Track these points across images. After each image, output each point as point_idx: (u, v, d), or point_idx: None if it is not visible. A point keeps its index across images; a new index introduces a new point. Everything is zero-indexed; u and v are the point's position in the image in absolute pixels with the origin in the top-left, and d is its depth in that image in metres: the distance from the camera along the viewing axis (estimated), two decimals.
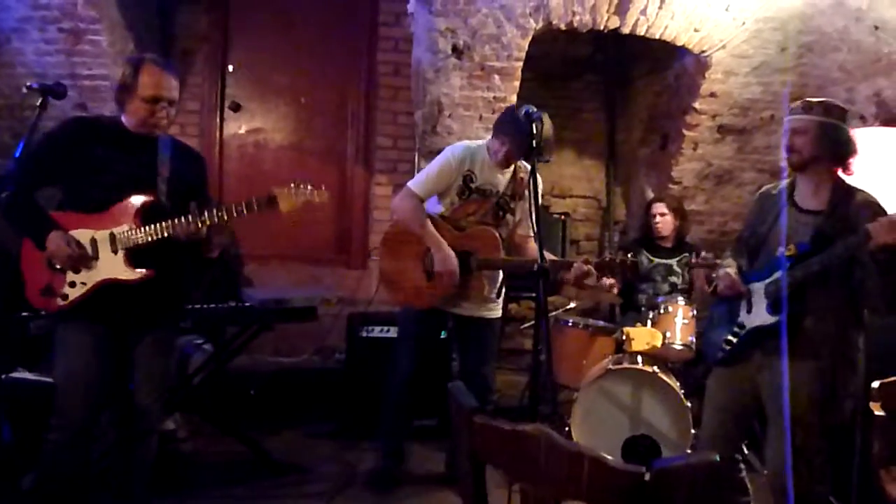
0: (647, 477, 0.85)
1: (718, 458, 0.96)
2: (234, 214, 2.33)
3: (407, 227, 3.00)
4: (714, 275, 2.56)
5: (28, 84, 2.16)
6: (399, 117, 4.98)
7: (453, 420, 1.08)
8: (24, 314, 2.82)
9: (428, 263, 2.98)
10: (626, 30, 4.03)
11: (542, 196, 5.27)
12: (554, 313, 3.78)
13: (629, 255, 2.77)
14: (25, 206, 2.29)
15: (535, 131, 2.22)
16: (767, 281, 2.32)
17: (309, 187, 2.40)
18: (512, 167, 3.03)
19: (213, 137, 4.99)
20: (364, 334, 3.90)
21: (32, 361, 3.06)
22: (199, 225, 2.32)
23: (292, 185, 2.39)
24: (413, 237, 2.97)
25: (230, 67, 4.99)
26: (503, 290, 3.12)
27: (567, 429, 3.22)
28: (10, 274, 2.45)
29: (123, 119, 2.40)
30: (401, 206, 3.02)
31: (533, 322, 4.18)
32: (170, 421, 3.39)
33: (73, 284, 2.31)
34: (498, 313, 3.15)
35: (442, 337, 3.55)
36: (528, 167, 2.98)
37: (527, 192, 2.99)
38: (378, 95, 5.00)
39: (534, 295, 4.39)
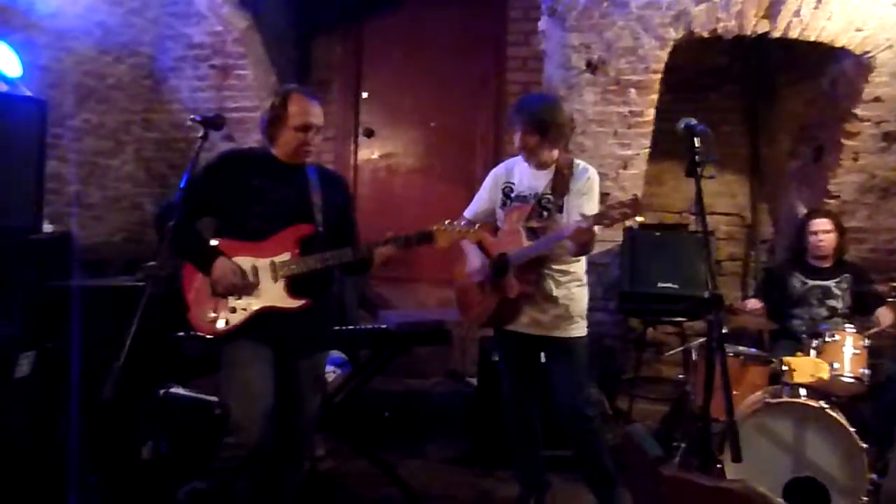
0: None
1: None
2: (393, 243, 2.45)
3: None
4: None
5: (191, 117, 2.28)
6: None
7: (632, 468, 0.97)
8: (180, 334, 2.99)
9: (482, 276, 2.92)
10: (776, 34, 3.75)
11: (681, 213, 5.10)
12: (700, 340, 3.52)
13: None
14: (189, 234, 2.39)
15: (696, 146, 2.05)
16: None
17: (461, 222, 2.57)
18: (552, 166, 2.86)
19: (348, 163, 5.16)
20: (496, 358, 3.81)
21: (185, 379, 3.24)
22: (356, 258, 2.43)
23: (447, 221, 2.50)
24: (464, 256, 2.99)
25: (364, 95, 5.15)
26: (585, 306, 2.89)
27: (719, 466, 2.96)
28: (170, 297, 2.59)
29: (273, 150, 2.48)
30: None
31: (677, 349, 3.99)
32: None
33: (234, 310, 2.38)
34: (576, 332, 2.84)
35: (543, 361, 3.35)
36: (575, 164, 2.86)
37: (576, 186, 2.81)
38: (507, 115, 4.96)
39: (675, 320, 4.21)
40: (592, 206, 2.77)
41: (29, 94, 3.66)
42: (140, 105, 4.79)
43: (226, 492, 2.42)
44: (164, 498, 2.80)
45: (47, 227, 3.57)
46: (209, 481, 2.41)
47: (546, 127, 2.77)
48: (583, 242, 2.60)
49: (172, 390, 3.20)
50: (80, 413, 2.72)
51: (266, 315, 2.39)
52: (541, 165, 2.87)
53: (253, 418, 2.32)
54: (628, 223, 2.59)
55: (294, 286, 2.42)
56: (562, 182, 2.81)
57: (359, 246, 2.45)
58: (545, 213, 2.83)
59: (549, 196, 2.83)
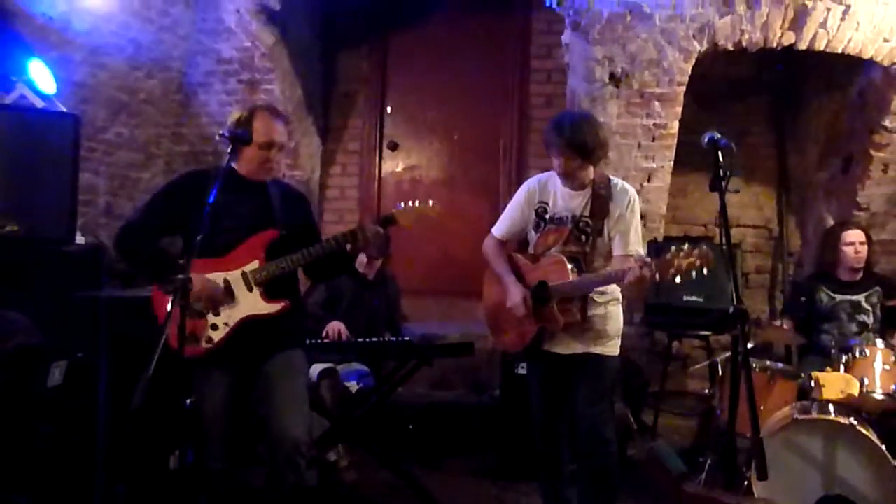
0: None
1: None
2: (362, 238, 2.45)
3: (488, 266, 2.91)
4: None
5: (220, 133, 2.32)
6: None
7: (655, 484, 0.97)
8: None
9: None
10: (802, 45, 3.72)
11: (706, 226, 5.06)
12: (726, 355, 3.48)
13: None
14: (154, 252, 2.43)
15: (720, 160, 2.03)
16: None
17: (419, 202, 2.54)
18: (588, 186, 2.72)
19: (373, 175, 5.21)
20: (520, 370, 3.80)
21: None
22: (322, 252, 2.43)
23: (401, 204, 2.55)
24: (501, 285, 2.81)
25: (388, 108, 5.19)
26: (621, 326, 2.78)
27: (746, 483, 2.92)
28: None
29: (235, 165, 2.48)
30: (484, 248, 2.91)
31: (703, 363, 3.95)
32: (332, 452, 3.48)
33: (214, 327, 2.40)
34: (609, 351, 2.72)
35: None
36: (613, 183, 2.71)
37: (616, 210, 2.67)
38: (531, 128, 4.99)
39: (701, 333, 4.17)
40: (637, 236, 2.69)
41: (63, 109, 3.76)
42: (170, 119, 4.90)
43: (225, 497, 2.50)
44: None
45: (80, 239, 3.65)
46: (211, 490, 2.51)
47: (590, 150, 2.61)
48: (640, 289, 2.51)
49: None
50: (109, 422, 2.77)
51: (245, 325, 2.41)
52: (578, 186, 2.71)
53: (216, 439, 2.46)
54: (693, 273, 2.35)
55: (269, 291, 2.44)
56: (600, 204, 2.67)
57: (317, 246, 2.45)
58: (584, 238, 2.69)
59: (588, 219, 2.68)
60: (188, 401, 3.03)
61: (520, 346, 2.80)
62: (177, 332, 2.11)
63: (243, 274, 2.42)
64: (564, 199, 2.74)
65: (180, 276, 2.01)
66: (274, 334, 2.48)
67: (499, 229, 2.89)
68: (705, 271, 2.33)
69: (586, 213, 2.69)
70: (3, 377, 1.98)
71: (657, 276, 2.35)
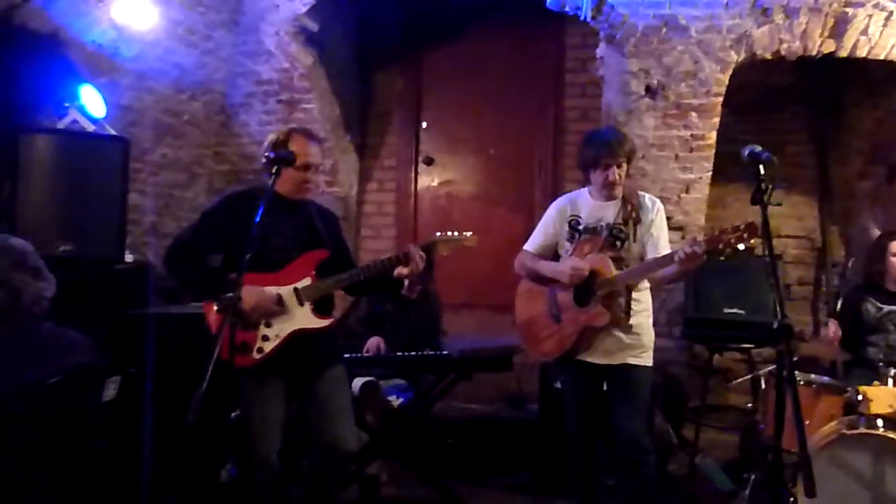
0: None
1: None
2: (402, 263, 2.56)
3: (524, 277, 2.97)
4: None
5: (265, 154, 2.40)
6: None
7: (702, 501, 0.97)
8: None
9: (553, 307, 2.84)
10: (843, 53, 3.67)
11: None
12: (769, 368, 3.43)
13: None
14: (207, 271, 2.53)
15: (761, 173, 2.03)
16: None
17: (457, 233, 2.65)
18: (619, 197, 2.82)
19: (409, 191, 5.27)
20: (558, 385, 3.79)
21: None
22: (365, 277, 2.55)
23: (438, 233, 2.65)
24: (535, 290, 2.91)
25: (423, 125, 5.26)
26: (653, 337, 2.83)
27: (792, 500, 2.87)
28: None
29: (276, 187, 2.52)
30: (516, 264, 3.00)
31: (745, 377, 3.89)
32: (373, 466, 3.52)
33: (266, 338, 2.50)
34: (644, 361, 2.78)
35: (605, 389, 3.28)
36: (640, 194, 2.83)
37: (647, 217, 2.78)
38: (566, 142, 4.99)
39: (743, 346, 4.10)
40: (667, 242, 2.79)
41: (113, 132, 3.91)
42: (212, 139, 5.04)
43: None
44: None
45: (128, 257, 3.78)
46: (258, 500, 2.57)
47: (634, 157, 2.82)
48: (688, 269, 2.57)
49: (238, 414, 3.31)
50: (159, 436, 2.85)
51: (294, 338, 2.52)
52: (608, 197, 2.83)
53: (269, 448, 2.50)
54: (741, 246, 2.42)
55: (318, 307, 2.57)
56: (632, 211, 2.78)
57: (366, 267, 2.60)
58: (619, 244, 2.78)
59: (621, 226, 2.79)
60: (233, 414, 3.13)
61: (559, 351, 2.84)
62: (228, 343, 2.19)
63: (295, 290, 2.54)
64: (595, 210, 2.86)
65: (230, 295, 2.08)
66: (320, 348, 2.60)
67: (531, 244, 2.98)
68: (753, 242, 2.40)
69: (619, 220, 2.80)
70: (63, 394, 2.06)
71: (705, 251, 2.45)
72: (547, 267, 2.88)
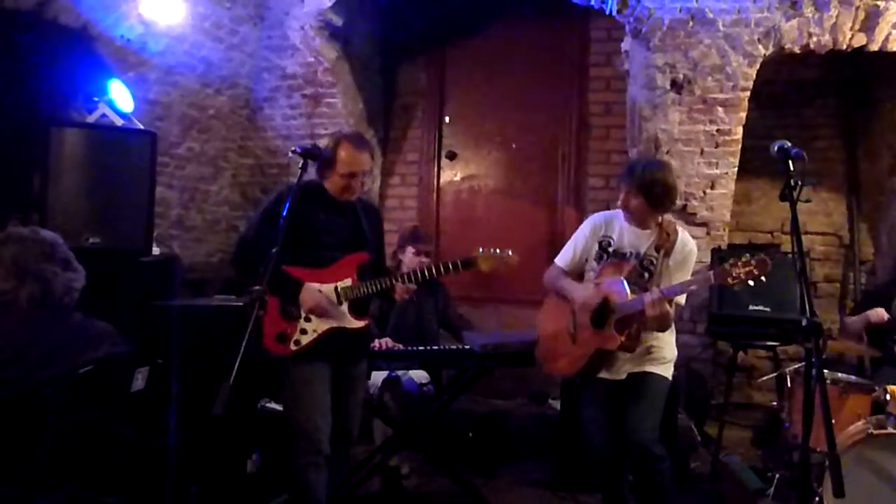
0: None
1: None
2: (442, 272, 2.68)
3: (549, 292, 2.98)
4: None
5: (293, 149, 2.45)
6: (612, 156, 4.90)
7: (730, 499, 0.97)
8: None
9: (570, 326, 2.82)
10: (873, 47, 3.61)
11: (771, 233, 4.93)
12: (795, 366, 3.39)
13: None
14: (277, 271, 2.51)
15: (791, 169, 2.00)
16: None
17: (499, 251, 2.71)
18: (655, 227, 2.77)
19: (431, 185, 5.27)
20: (579, 381, 3.79)
21: (275, 393, 3.38)
22: (413, 283, 2.67)
23: (481, 249, 2.70)
24: (560, 306, 2.89)
25: (446, 119, 5.26)
26: (675, 354, 2.83)
27: (818, 499, 2.83)
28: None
29: (325, 185, 2.69)
30: (545, 278, 2.99)
31: (770, 375, 3.84)
32: (395, 458, 3.54)
33: (304, 331, 2.61)
34: (661, 371, 2.77)
35: None
36: (678, 232, 2.78)
37: (678, 253, 2.74)
38: (590, 136, 4.96)
39: (768, 344, 4.05)
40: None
41: (140, 126, 3.96)
42: (237, 133, 5.08)
43: (313, 492, 2.59)
44: None
45: (155, 250, 3.83)
46: (296, 487, 2.65)
47: (653, 194, 2.69)
48: (659, 317, 2.56)
49: (268, 405, 3.35)
50: (186, 426, 2.89)
51: (329, 334, 2.63)
52: (643, 225, 2.79)
53: (322, 430, 2.58)
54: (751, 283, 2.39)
55: (354, 307, 2.67)
56: (667, 243, 2.75)
57: (412, 277, 2.69)
58: (646, 274, 2.76)
59: (653, 257, 2.76)
60: (259, 405, 3.16)
61: (570, 372, 2.88)
62: (269, 332, 2.49)
63: (336, 288, 2.65)
64: (630, 236, 2.83)
65: (258, 288, 2.13)
66: (354, 342, 2.74)
67: (562, 259, 2.97)
68: (763, 279, 2.38)
69: (652, 251, 2.77)
70: (93, 384, 2.10)
71: (715, 282, 2.47)
72: (567, 288, 2.88)
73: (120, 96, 3.90)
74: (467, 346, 3.38)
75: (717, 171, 4.10)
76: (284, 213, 2.26)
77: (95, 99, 3.84)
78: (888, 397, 2.95)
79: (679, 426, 3.69)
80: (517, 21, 5.09)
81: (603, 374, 2.79)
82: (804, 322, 1.90)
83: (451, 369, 3.71)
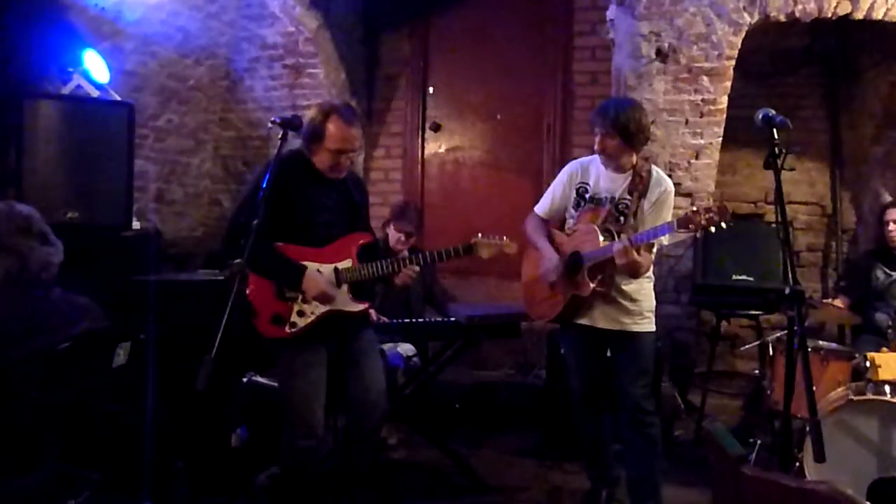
0: None
1: None
2: (440, 259, 2.63)
3: (525, 241, 2.99)
4: None
5: (272, 119, 2.36)
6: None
7: (712, 466, 0.98)
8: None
9: (548, 273, 2.86)
10: (858, 15, 3.59)
11: (755, 203, 4.95)
12: (778, 335, 3.43)
13: None
14: (272, 253, 2.48)
15: (775, 138, 2.00)
16: None
17: (497, 238, 2.69)
18: (630, 170, 2.79)
19: (416, 157, 5.22)
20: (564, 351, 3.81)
21: (262, 367, 3.37)
22: (413, 269, 2.58)
23: (480, 235, 2.67)
24: (537, 253, 2.94)
25: (430, 90, 5.19)
26: (654, 303, 2.86)
27: (798, 464, 2.89)
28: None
29: (314, 160, 2.54)
30: (524, 226, 3.02)
31: (753, 344, 3.89)
32: (382, 429, 3.55)
33: (301, 314, 2.49)
34: (645, 327, 2.82)
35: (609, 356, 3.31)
36: (653, 170, 2.80)
37: (653, 193, 2.75)
38: (575, 106, 4.92)
39: (751, 313, 4.09)
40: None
41: (117, 98, 3.87)
42: (217, 105, 5.00)
43: (304, 474, 2.57)
44: (245, 482, 2.96)
45: (135, 224, 3.77)
46: (287, 467, 2.61)
47: (628, 132, 2.69)
48: (631, 264, 2.58)
49: (253, 379, 3.34)
50: (168, 400, 2.88)
51: (327, 317, 2.52)
52: (618, 169, 2.80)
53: (317, 414, 2.50)
54: (712, 229, 2.42)
55: (354, 289, 2.57)
56: (640, 184, 2.77)
57: (413, 262, 2.62)
58: (622, 218, 2.78)
59: (627, 200, 2.78)
60: (244, 379, 3.14)
61: (549, 315, 2.91)
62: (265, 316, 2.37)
63: (336, 269, 2.54)
64: (605, 181, 2.85)
65: (238, 261, 2.06)
66: (353, 319, 2.62)
67: (541, 207, 3.01)
68: (724, 226, 2.41)
69: (626, 194, 2.79)
70: (72, 360, 2.07)
71: (678, 228, 2.47)
72: (535, 245, 2.93)
73: (95, 67, 3.81)
74: (453, 319, 3.38)
75: (702, 142, 4.09)
76: (264, 185, 2.18)
77: (70, 70, 3.74)
78: (868, 364, 2.99)
79: (663, 395, 3.73)
80: None
81: (584, 321, 2.83)
82: (787, 290, 1.92)
83: (437, 342, 3.72)
